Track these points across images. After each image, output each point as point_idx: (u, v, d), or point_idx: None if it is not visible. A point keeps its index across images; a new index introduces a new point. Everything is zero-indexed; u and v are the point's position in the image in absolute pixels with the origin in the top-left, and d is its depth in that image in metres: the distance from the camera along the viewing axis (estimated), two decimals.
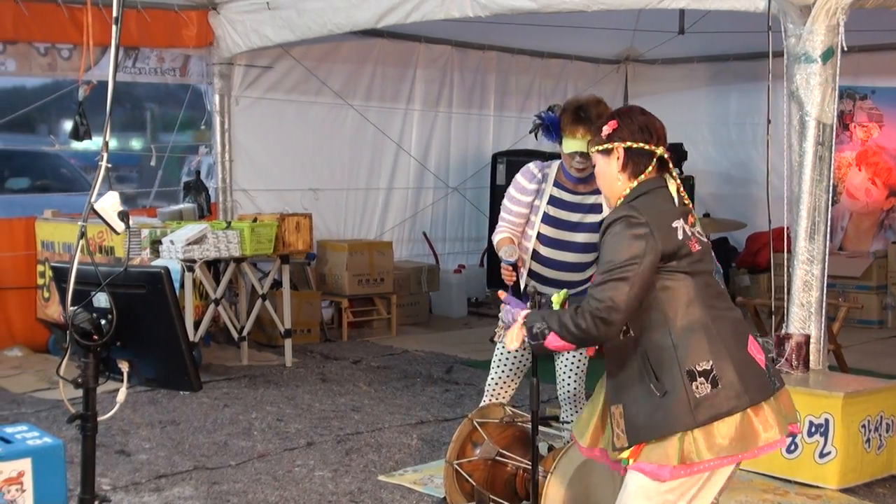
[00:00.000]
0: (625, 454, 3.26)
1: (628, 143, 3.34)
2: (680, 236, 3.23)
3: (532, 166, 4.87)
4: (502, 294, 3.72)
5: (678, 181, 3.35)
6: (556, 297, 3.56)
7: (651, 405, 3.20)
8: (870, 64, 10.55)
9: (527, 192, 4.83)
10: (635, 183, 3.33)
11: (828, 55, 5.73)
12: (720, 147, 12.24)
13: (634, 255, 3.17)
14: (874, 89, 11.30)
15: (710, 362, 3.17)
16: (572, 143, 4.61)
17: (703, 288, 3.25)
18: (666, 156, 3.35)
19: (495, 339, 5.04)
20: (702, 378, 3.15)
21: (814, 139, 5.81)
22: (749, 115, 11.40)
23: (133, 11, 8.77)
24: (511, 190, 4.88)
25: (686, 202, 3.35)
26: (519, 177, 4.87)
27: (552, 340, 3.29)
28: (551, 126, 4.68)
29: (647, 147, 3.33)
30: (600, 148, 3.41)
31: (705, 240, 3.35)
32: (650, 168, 3.33)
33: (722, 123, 12.19)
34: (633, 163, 3.34)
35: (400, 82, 11.08)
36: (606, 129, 3.40)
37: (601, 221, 4.71)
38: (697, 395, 3.14)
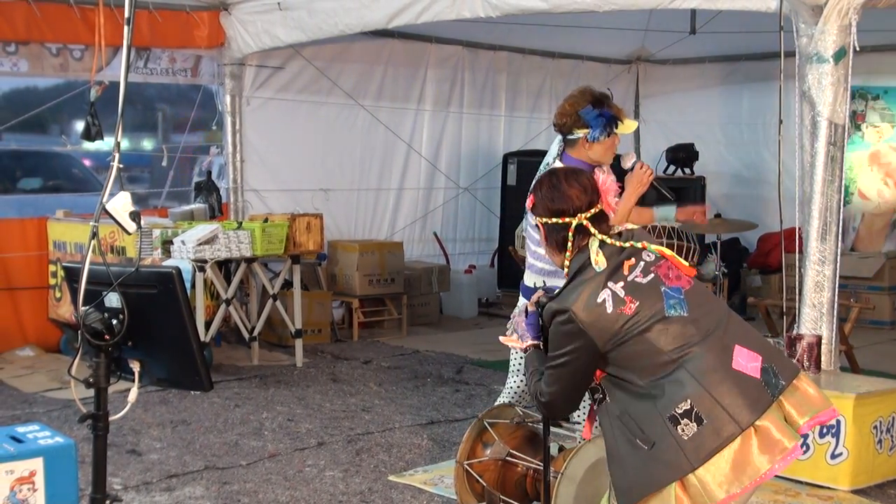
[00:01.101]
0: None
1: (544, 220, 3.35)
2: (609, 309, 3.14)
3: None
4: (531, 307, 3.65)
5: (607, 240, 3.26)
6: None
7: (640, 461, 3.10)
8: (882, 64, 10.52)
9: None
10: (567, 254, 3.30)
11: (840, 55, 5.72)
12: (732, 147, 12.22)
13: (569, 351, 3.18)
14: (886, 89, 11.26)
15: (689, 401, 3.05)
16: (630, 123, 4.78)
17: (659, 335, 3.13)
18: (584, 223, 3.28)
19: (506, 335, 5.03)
20: (685, 419, 3.04)
21: (826, 139, 5.80)
22: (761, 115, 11.37)
23: (145, 12, 8.79)
24: None
25: (620, 247, 3.25)
26: None
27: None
28: (608, 119, 4.71)
29: (560, 221, 3.31)
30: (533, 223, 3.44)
31: (648, 277, 3.21)
32: (569, 242, 3.29)
33: (734, 124, 12.16)
34: (553, 237, 3.35)
35: (411, 82, 11.09)
36: (528, 205, 3.45)
37: None
38: (685, 437, 3.02)
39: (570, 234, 3.28)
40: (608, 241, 3.27)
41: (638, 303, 3.15)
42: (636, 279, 3.20)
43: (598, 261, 3.21)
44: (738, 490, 3.00)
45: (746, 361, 3.13)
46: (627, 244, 3.25)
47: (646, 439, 3.08)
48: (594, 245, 3.24)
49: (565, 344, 3.18)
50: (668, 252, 3.28)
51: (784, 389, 3.14)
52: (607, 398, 3.22)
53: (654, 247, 3.28)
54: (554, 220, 3.31)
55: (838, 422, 5.46)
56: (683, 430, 3.03)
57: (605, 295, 3.15)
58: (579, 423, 5.00)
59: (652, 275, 3.21)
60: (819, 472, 5.52)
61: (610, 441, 3.20)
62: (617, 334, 3.13)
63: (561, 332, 3.19)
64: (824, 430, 5.48)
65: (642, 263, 3.23)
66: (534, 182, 3.47)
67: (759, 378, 3.11)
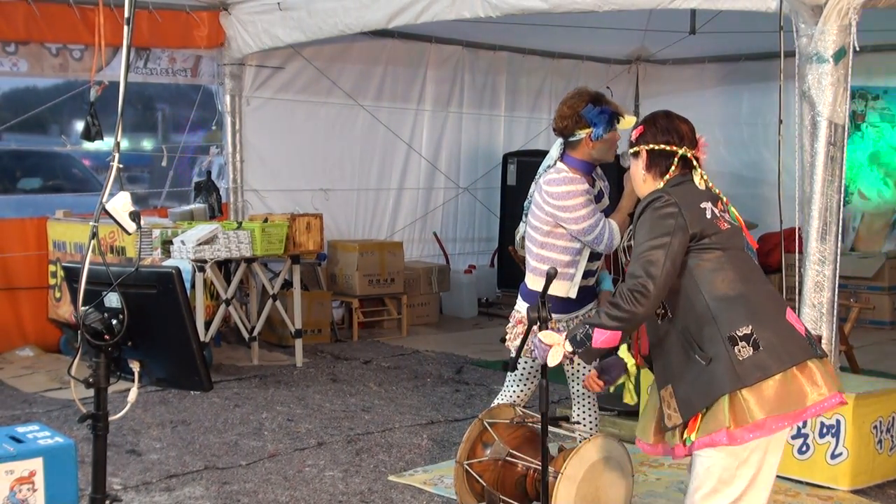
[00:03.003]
0: (686, 434, 3.40)
1: (651, 146, 3.59)
2: (708, 216, 3.43)
3: (566, 175, 4.76)
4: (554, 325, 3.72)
5: (705, 176, 3.56)
6: None
7: (699, 376, 3.35)
8: (882, 64, 10.51)
9: (591, 193, 4.80)
10: (661, 183, 3.56)
11: (840, 55, 5.71)
12: (732, 147, 12.21)
13: (665, 233, 3.38)
14: (886, 89, 11.26)
15: (750, 327, 3.32)
16: (629, 118, 4.80)
17: (736, 261, 3.44)
18: (689, 155, 3.57)
19: (506, 339, 5.03)
20: (743, 342, 3.30)
21: (825, 139, 5.79)
22: (760, 115, 11.37)
23: (144, 12, 8.79)
24: (579, 200, 4.74)
25: (714, 190, 3.57)
26: (571, 186, 4.70)
27: (598, 337, 3.47)
28: (610, 115, 4.72)
29: (668, 148, 3.57)
30: (631, 151, 3.69)
31: (736, 223, 3.53)
32: (673, 167, 3.55)
33: (733, 124, 12.16)
34: (656, 163, 3.59)
35: (411, 83, 11.09)
36: (634, 134, 3.69)
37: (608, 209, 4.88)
38: (741, 358, 3.29)
39: (676, 160, 3.54)
40: (707, 180, 3.56)
41: (729, 227, 3.47)
42: (726, 217, 3.51)
43: (701, 183, 3.53)
44: (778, 413, 3.26)
45: (795, 321, 3.44)
46: (716, 190, 3.56)
47: (704, 355, 3.34)
48: (698, 173, 3.54)
49: (663, 223, 3.39)
50: (741, 222, 3.58)
51: (822, 356, 3.41)
52: (669, 313, 3.46)
53: (733, 210, 3.58)
54: (662, 146, 3.56)
55: (838, 422, 5.46)
56: (740, 352, 3.30)
57: (706, 205, 3.46)
58: (579, 423, 5.00)
59: (736, 224, 3.54)
60: (819, 472, 5.52)
61: (670, 356, 3.45)
62: (704, 235, 3.40)
63: (658, 214, 3.41)
64: (824, 430, 5.48)
65: (728, 216, 3.53)
66: (645, 118, 3.71)
67: (804, 336, 3.41)
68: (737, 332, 3.32)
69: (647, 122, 3.65)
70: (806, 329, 3.47)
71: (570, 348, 3.58)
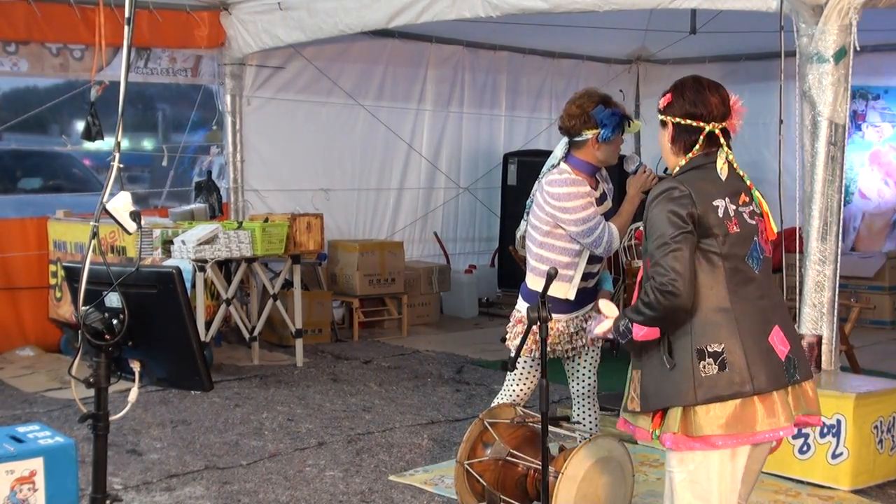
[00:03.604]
0: (648, 425, 3.42)
1: (677, 119, 3.44)
2: (720, 214, 3.31)
3: (569, 176, 4.75)
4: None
5: (730, 157, 3.41)
6: None
7: (661, 376, 3.32)
8: (882, 64, 10.52)
9: (593, 195, 4.79)
10: (683, 160, 3.43)
11: (840, 55, 5.72)
12: (733, 146, 12.19)
13: (683, 227, 3.27)
14: (887, 89, 11.26)
15: (722, 345, 3.26)
16: (636, 123, 4.83)
17: (731, 272, 3.31)
18: (716, 131, 3.41)
19: (506, 339, 5.03)
20: (710, 359, 3.25)
21: (826, 139, 5.79)
22: (761, 115, 11.25)
23: (145, 12, 8.79)
24: (580, 202, 4.72)
25: (741, 176, 3.43)
26: (573, 188, 4.69)
27: (636, 332, 3.36)
28: (620, 118, 4.73)
29: (694, 124, 3.41)
30: (660, 119, 3.52)
31: (752, 221, 3.37)
32: (698, 146, 3.41)
33: None
34: (682, 138, 3.44)
35: (411, 82, 11.09)
36: (662, 102, 3.51)
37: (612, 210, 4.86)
38: (703, 375, 3.25)
39: (702, 137, 3.39)
40: (732, 161, 3.42)
41: (739, 231, 3.32)
42: (745, 214, 3.36)
43: (724, 169, 3.37)
44: (724, 433, 3.23)
45: (778, 343, 3.32)
46: (746, 177, 3.40)
47: (670, 361, 3.31)
48: (723, 154, 3.38)
49: (680, 219, 3.26)
50: (766, 208, 3.45)
51: (795, 382, 3.33)
52: None
53: (757, 195, 3.43)
54: (688, 121, 3.41)
55: (839, 421, 5.45)
56: (704, 368, 3.25)
57: (719, 202, 3.32)
58: (580, 423, 5.00)
59: (755, 223, 3.38)
60: (820, 472, 5.52)
61: (648, 344, 3.37)
62: (708, 235, 3.28)
63: (672, 206, 3.28)
64: (825, 431, 5.48)
65: (751, 208, 3.39)
66: (675, 84, 3.52)
67: (783, 361, 3.31)
68: (708, 346, 3.27)
69: (676, 90, 3.48)
70: (791, 350, 3.34)
71: (612, 336, 3.49)
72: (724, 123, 3.45)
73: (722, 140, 3.42)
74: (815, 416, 3.40)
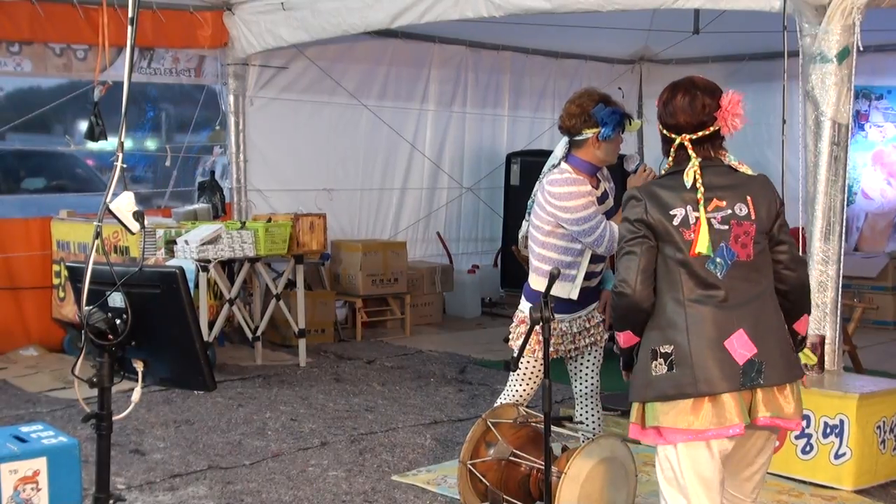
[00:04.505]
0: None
1: (659, 127, 3.55)
2: (675, 223, 3.38)
3: (570, 176, 4.75)
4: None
5: (694, 167, 3.40)
6: None
7: (635, 371, 3.51)
8: (886, 64, 10.50)
9: (594, 194, 4.79)
10: (668, 165, 3.53)
11: (843, 55, 5.71)
12: (735, 147, 11.90)
13: (635, 237, 3.41)
14: (890, 89, 11.25)
15: (672, 347, 3.36)
16: (635, 122, 4.86)
17: (687, 276, 3.38)
18: (686, 143, 3.45)
19: (510, 339, 5.03)
20: (661, 359, 3.37)
21: (829, 139, 5.79)
22: (764, 115, 11.33)
23: (148, 12, 8.79)
24: (581, 201, 4.71)
25: (735, 181, 3.45)
26: (574, 187, 4.69)
27: (619, 339, 3.55)
28: (621, 116, 4.73)
29: (667, 134, 3.51)
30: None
31: (723, 227, 3.38)
32: (671, 155, 3.50)
33: None
34: (663, 146, 3.56)
35: (414, 82, 11.09)
36: (657, 103, 3.60)
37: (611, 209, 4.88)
38: (653, 374, 3.39)
39: (673, 150, 3.49)
40: (725, 163, 3.49)
41: (692, 244, 3.37)
42: (713, 220, 3.39)
43: (688, 176, 3.39)
44: (673, 427, 3.35)
45: (739, 346, 3.35)
46: (735, 180, 3.44)
47: (635, 359, 3.50)
48: (693, 164, 3.40)
49: (633, 230, 3.42)
50: (753, 209, 3.43)
51: (758, 386, 3.34)
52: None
53: (749, 199, 3.43)
54: (664, 132, 3.52)
55: (842, 422, 5.45)
56: (656, 368, 3.39)
57: (679, 211, 3.39)
58: (583, 423, 5.00)
59: (726, 227, 3.39)
60: (822, 472, 5.52)
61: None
62: (664, 242, 3.40)
63: (629, 216, 3.44)
64: (828, 431, 5.48)
65: (729, 212, 3.40)
66: (664, 89, 3.59)
67: (740, 365, 3.33)
68: (659, 347, 3.38)
69: (660, 97, 3.55)
70: (758, 354, 3.34)
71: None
72: (700, 133, 3.44)
73: (691, 152, 3.43)
74: (788, 420, 3.40)
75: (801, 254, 3.75)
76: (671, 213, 3.38)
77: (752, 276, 3.41)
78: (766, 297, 3.45)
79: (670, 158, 3.49)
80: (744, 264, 3.39)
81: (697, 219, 3.36)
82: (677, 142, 3.46)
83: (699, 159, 3.42)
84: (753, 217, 3.41)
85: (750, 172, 3.51)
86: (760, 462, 3.54)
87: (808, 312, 3.62)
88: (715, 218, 3.38)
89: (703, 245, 3.35)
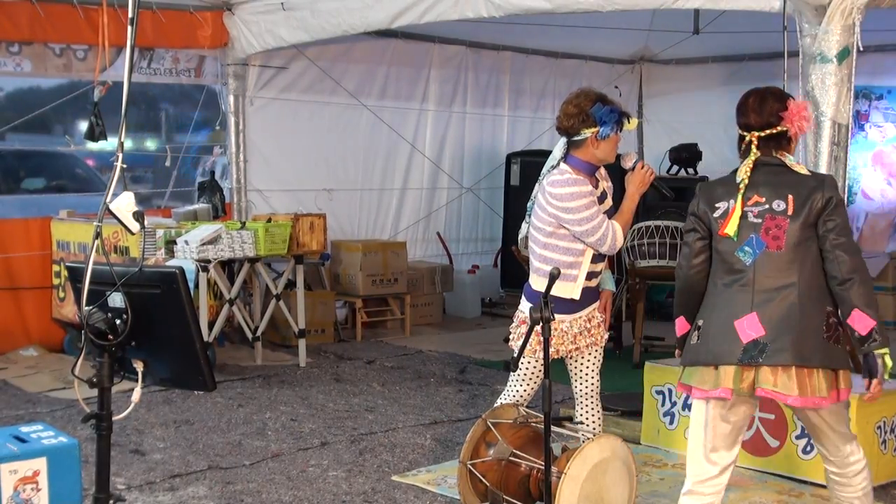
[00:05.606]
0: None
1: (737, 127, 4.00)
2: (716, 214, 3.90)
3: (570, 177, 4.74)
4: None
5: (748, 164, 3.87)
6: None
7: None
8: (886, 64, 10.51)
9: (594, 194, 4.78)
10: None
11: (843, 55, 5.71)
12: (735, 148, 12.13)
13: (690, 218, 4.01)
14: (890, 89, 11.24)
15: (702, 321, 3.92)
16: (633, 120, 4.88)
17: (720, 263, 3.91)
18: (753, 141, 3.90)
19: (510, 340, 5.03)
20: (696, 332, 3.94)
21: (829, 139, 5.79)
22: None
23: (148, 12, 8.78)
24: (582, 201, 4.71)
25: (743, 182, 3.86)
26: (575, 188, 4.68)
27: (676, 326, 4.12)
28: (619, 115, 4.73)
29: (740, 133, 3.98)
30: None
31: (757, 220, 3.81)
32: (740, 151, 3.98)
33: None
34: (738, 143, 4.01)
35: (414, 82, 11.09)
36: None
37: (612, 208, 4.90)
38: (691, 342, 3.96)
39: (743, 146, 3.97)
40: (780, 163, 3.89)
41: (728, 231, 3.86)
42: (749, 213, 3.85)
43: (740, 173, 3.89)
44: (693, 384, 3.89)
45: (748, 327, 3.79)
46: (783, 179, 3.84)
47: None
48: (749, 160, 3.89)
49: (688, 214, 4.01)
50: (792, 205, 3.78)
51: (758, 364, 3.75)
52: None
53: (791, 201, 3.79)
54: (739, 131, 3.98)
55: None
56: (692, 338, 3.96)
57: (723, 204, 3.90)
58: (583, 423, 5.00)
59: (759, 221, 3.83)
60: (823, 473, 5.49)
61: None
62: (709, 231, 3.94)
63: (689, 208, 4.02)
64: None
65: (766, 207, 3.83)
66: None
67: (743, 343, 3.78)
68: (698, 322, 3.95)
69: (739, 99, 4.01)
70: (765, 336, 3.73)
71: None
72: (768, 131, 3.88)
73: (754, 148, 3.89)
74: (786, 396, 3.74)
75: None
76: (716, 205, 3.91)
77: (784, 267, 3.78)
78: (799, 289, 3.77)
79: (739, 154, 3.97)
80: (773, 255, 3.78)
81: (733, 207, 3.83)
82: (746, 139, 3.93)
83: (757, 155, 3.88)
84: (790, 213, 3.77)
85: (805, 172, 3.88)
86: (743, 424, 3.99)
87: (862, 309, 3.76)
88: (752, 212, 3.83)
89: (731, 229, 3.83)
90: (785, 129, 3.87)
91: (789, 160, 3.89)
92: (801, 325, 3.72)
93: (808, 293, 3.75)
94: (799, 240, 3.75)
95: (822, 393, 3.74)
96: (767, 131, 3.88)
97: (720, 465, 3.92)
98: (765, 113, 3.89)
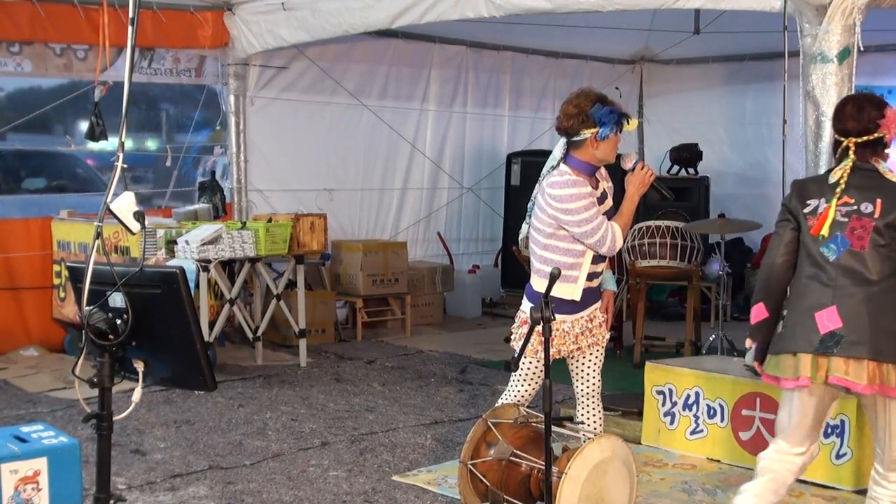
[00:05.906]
0: None
1: (833, 132, 4.28)
2: (807, 211, 4.14)
3: (570, 178, 4.74)
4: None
5: (845, 168, 4.09)
6: None
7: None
8: (886, 64, 10.50)
9: (594, 195, 4.78)
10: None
11: (844, 55, 5.71)
12: (736, 147, 12.20)
13: (782, 212, 4.24)
14: (891, 89, 11.21)
15: (786, 311, 4.16)
16: (633, 120, 4.90)
17: (805, 256, 4.14)
18: (850, 146, 4.13)
19: (511, 340, 5.02)
20: (783, 321, 4.17)
21: (830, 140, 5.78)
22: (765, 115, 11.36)
23: (149, 12, 8.79)
24: (582, 202, 4.72)
25: (841, 184, 4.09)
26: (574, 189, 4.68)
27: (752, 316, 4.29)
28: (619, 115, 4.74)
29: (837, 138, 4.22)
30: None
31: (843, 219, 4.02)
32: (836, 155, 4.22)
33: (738, 123, 12.14)
34: (835, 147, 4.27)
35: (415, 82, 11.09)
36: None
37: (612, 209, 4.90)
38: (779, 330, 4.18)
39: (839, 150, 4.20)
40: (874, 168, 4.10)
41: (816, 229, 4.09)
42: (838, 212, 4.07)
43: (835, 174, 4.13)
44: (776, 375, 4.11)
45: (827, 319, 4.02)
46: (874, 183, 4.07)
47: None
48: (846, 164, 4.11)
49: (782, 208, 4.26)
50: (880, 208, 4.02)
51: (831, 354, 3.97)
52: None
53: (880, 205, 4.03)
54: (836, 136, 4.23)
55: (842, 422, 5.45)
56: (779, 328, 4.19)
57: (815, 202, 4.14)
58: (583, 423, 5.00)
59: (846, 220, 4.06)
60: (823, 473, 5.51)
61: None
62: (799, 227, 4.16)
63: (783, 200, 4.28)
64: (828, 431, 5.48)
65: (854, 208, 4.06)
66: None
67: (821, 334, 4.00)
68: (784, 311, 4.19)
69: (836, 105, 4.32)
70: (842, 329, 3.96)
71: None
72: (869, 136, 4.11)
73: (851, 153, 4.11)
74: (854, 384, 3.94)
75: None
76: (808, 202, 4.14)
77: (865, 266, 4.00)
78: (878, 288, 3.99)
79: (835, 158, 4.20)
80: (857, 254, 4.01)
81: (826, 209, 4.06)
82: (844, 144, 4.15)
83: (853, 160, 4.10)
84: (877, 216, 4.00)
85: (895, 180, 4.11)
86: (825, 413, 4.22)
87: None
88: (840, 211, 4.05)
89: (825, 229, 4.05)
90: (882, 135, 4.12)
91: (882, 167, 4.12)
92: (878, 322, 3.96)
93: (886, 292, 3.99)
94: (882, 241, 4.00)
95: (891, 384, 3.96)
96: (865, 137, 4.13)
97: (799, 449, 4.22)
98: (863, 120, 4.14)
